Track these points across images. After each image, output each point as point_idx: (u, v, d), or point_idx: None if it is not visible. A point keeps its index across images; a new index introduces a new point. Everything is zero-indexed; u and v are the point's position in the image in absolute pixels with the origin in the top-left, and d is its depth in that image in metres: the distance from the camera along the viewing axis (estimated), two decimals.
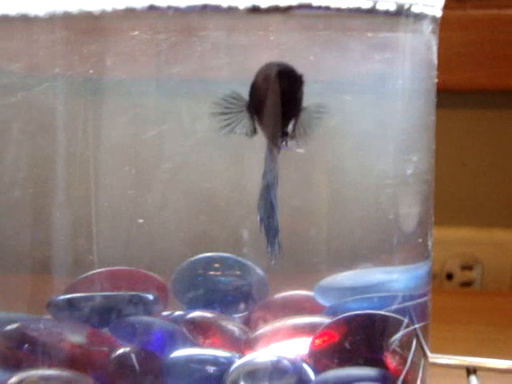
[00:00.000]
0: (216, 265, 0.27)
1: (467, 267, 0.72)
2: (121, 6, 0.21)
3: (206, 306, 0.27)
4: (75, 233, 0.26)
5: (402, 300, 0.28)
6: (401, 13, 0.25)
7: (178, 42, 0.23)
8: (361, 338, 0.27)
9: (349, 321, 0.28)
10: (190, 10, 0.21)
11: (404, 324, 0.28)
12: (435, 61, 0.28)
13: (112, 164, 0.26)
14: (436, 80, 0.28)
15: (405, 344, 0.28)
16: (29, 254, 0.26)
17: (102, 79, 0.25)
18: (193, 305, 0.27)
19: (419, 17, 0.25)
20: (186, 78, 0.25)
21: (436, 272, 0.69)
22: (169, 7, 0.21)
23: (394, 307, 0.28)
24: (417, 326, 0.29)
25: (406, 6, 0.25)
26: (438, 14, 0.27)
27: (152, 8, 0.21)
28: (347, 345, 0.27)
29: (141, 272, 0.27)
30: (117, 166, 0.26)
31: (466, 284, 0.72)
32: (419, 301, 0.29)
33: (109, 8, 0.21)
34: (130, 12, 0.22)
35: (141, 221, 0.26)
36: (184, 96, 0.25)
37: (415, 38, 0.26)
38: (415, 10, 0.25)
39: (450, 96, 0.67)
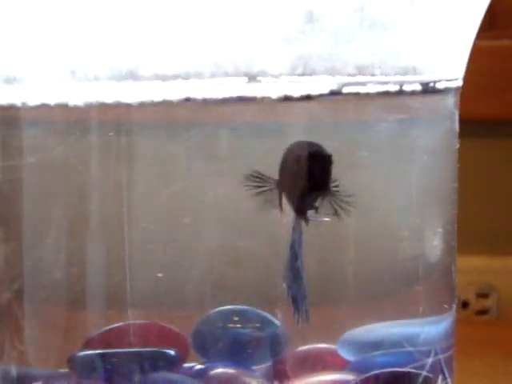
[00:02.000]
0: (235, 317, 0.28)
1: (483, 295, 0.72)
2: (158, 98, 0.22)
3: (226, 358, 0.28)
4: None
5: (431, 353, 0.29)
6: (426, 91, 0.25)
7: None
8: None
9: (376, 379, 0.28)
10: (227, 101, 0.22)
11: (433, 378, 0.29)
12: (457, 129, 0.29)
13: (142, 216, 0.26)
14: (457, 146, 0.29)
15: None
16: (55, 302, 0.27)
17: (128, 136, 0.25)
18: (213, 357, 0.28)
19: (443, 92, 0.26)
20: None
21: None
22: (204, 100, 0.22)
23: (423, 361, 0.28)
24: (448, 380, 0.29)
25: (431, 85, 0.25)
26: (460, 84, 0.28)
27: (188, 100, 0.22)
28: None
29: (160, 325, 0.27)
30: (147, 218, 0.26)
31: (482, 312, 0.72)
32: (449, 353, 0.29)
33: (147, 100, 0.22)
34: (165, 103, 0.22)
35: (160, 275, 0.26)
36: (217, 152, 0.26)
37: (439, 112, 0.27)
38: (440, 86, 0.26)
39: (461, 126, 0.68)
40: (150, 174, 0.26)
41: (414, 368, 0.29)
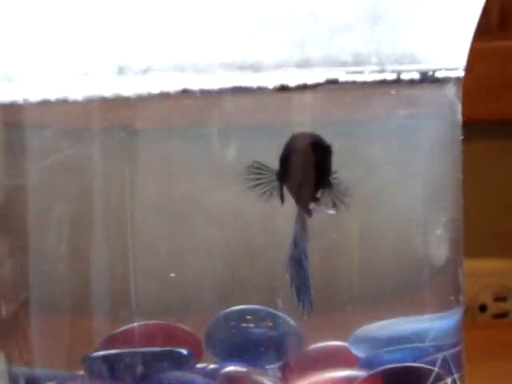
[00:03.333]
0: (248, 317, 0.28)
1: (500, 298, 0.72)
2: (155, 90, 0.22)
3: (239, 358, 0.28)
4: (111, 282, 0.26)
5: (439, 349, 0.29)
6: (425, 80, 0.25)
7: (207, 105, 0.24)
8: None
9: (384, 374, 0.28)
10: (222, 92, 0.22)
11: (440, 374, 0.28)
12: (459, 120, 0.29)
13: (147, 217, 0.26)
14: (461, 138, 0.29)
15: None
16: (62, 307, 0.27)
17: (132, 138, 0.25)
18: (226, 357, 0.28)
19: (443, 81, 0.26)
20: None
21: (468, 304, 0.68)
22: (201, 91, 0.22)
23: (432, 357, 0.28)
24: (455, 376, 0.29)
25: (430, 73, 0.25)
26: (461, 74, 0.28)
27: (185, 92, 0.22)
28: None
29: (173, 326, 0.28)
30: (152, 219, 0.26)
31: (500, 316, 0.72)
32: (456, 349, 0.29)
33: (144, 93, 0.22)
34: (163, 95, 0.22)
35: (172, 275, 0.26)
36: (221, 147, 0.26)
37: (439, 102, 0.27)
38: (439, 75, 0.26)
39: (474, 127, 0.68)
40: (154, 174, 0.26)
41: (424, 364, 0.28)
